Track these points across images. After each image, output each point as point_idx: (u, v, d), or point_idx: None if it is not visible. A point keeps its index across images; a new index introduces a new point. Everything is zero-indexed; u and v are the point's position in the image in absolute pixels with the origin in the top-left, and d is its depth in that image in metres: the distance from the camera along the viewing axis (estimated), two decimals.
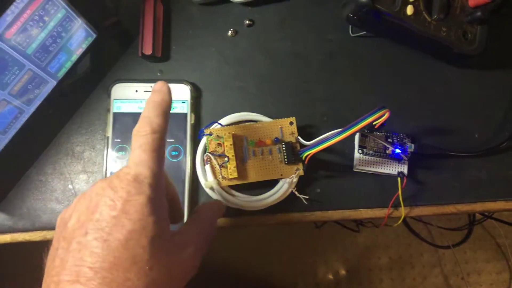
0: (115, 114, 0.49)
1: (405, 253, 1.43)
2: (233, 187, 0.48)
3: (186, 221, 0.38)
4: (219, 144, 0.47)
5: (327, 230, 1.38)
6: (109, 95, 0.49)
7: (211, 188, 0.47)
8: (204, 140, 0.48)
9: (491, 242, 1.47)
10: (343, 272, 1.39)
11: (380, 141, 0.49)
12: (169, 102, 0.36)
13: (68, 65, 0.47)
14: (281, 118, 0.49)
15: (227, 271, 1.32)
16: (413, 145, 0.50)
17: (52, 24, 0.43)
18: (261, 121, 0.49)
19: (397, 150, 0.49)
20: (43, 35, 0.42)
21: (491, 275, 1.45)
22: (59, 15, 0.43)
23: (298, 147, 0.48)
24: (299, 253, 1.38)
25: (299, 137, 0.48)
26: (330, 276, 1.38)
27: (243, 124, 0.49)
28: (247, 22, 0.53)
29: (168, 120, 0.35)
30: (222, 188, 0.47)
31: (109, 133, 0.49)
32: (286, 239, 1.38)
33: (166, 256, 0.31)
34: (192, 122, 0.50)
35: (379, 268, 1.41)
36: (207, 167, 0.47)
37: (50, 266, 0.30)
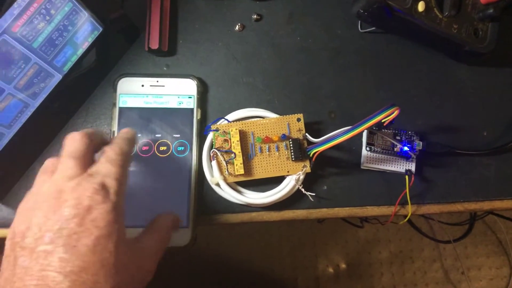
0: (120, 109, 0.48)
1: (405, 248, 1.44)
2: (239, 183, 0.48)
3: (145, 229, 0.39)
4: (225, 140, 0.47)
5: (328, 224, 1.38)
6: (115, 90, 0.49)
7: (217, 184, 0.47)
8: (210, 136, 0.48)
9: (491, 237, 1.47)
10: (343, 266, 1.39)
11: (388, 139, 0.49)
12: (134, 140, 0.41)
13: (74, 59, 0.46)
14: (288, 114, 0.48)
15: (227, 264, 1.32)
16: (421, 142, 0.49)
17: (58, 17, 0.42)
18: (268, 117, 0.49)
19: (405, 148, 0.48)
20: (49, 28, 0.42)
21: (491, 270, 1.45)
22: (66, 8, 0.42)
23: (305, 144, 0.48)
24: (300, 247, 1.38)
25: (306, 134, 0.47)
26: (331, 270, 1.38)
27: (250, 120, 0.48)
28: (255, 16, 0.52)
29: (132, 151, 0.41)
30: (228, 184, 0.47)
31: (115, 127, 0.48)
32: (287, 232, 1.38)
33: (128, 260, 0.33)
34: (199, 117, 0.49)
35: (379, 262, 1.41)
36: (214, 163, 0.47)
37: (8, 275, 0.31)
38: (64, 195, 0.33)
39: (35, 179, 0.36)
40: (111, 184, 0.34)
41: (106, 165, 0.35)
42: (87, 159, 0.36)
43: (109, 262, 0.31)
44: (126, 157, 0.38)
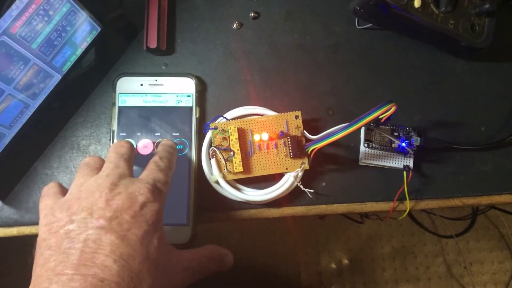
0: (120, 108, 0.49)
1: (408, 243, 1.44)
2: (238, 181, 0.48)
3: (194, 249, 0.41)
4: (224, 138, 0.47)
5: (330, 220, 1.38)
6: (114, 89, 0.49)
7: (217, 182, 0.47)
8: (209, 134, 0.48)
9: (494, 231, 1.47)
10: (345, 261, 1.39)
11: (386, 135, 0.49)
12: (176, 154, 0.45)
13: (73, 59, 0.47)
14: (286, 111, 0.49)
15: None
16: (419, 138, 0.49)
17: (57, 18, 0.42)
18: (267, 114, 0.49)
19: (403, 144, 0.48)
20: (48, 29, 0.42)
21: (493, 265, 1.45)
22: (64, 9, 0.43)
23: (304, 141, 0.48)
24: (302, 243, 1.39)
25: (304, 131, 0.48)
26: (333, 266, 1.39)
27: (248, 118, 0.49)
28: (253, 14, 0.53)
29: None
30: (228, 182, 0.47)
31: (114, 126, 0.49)
32: (289, 228, 1.38)
33: (166, 263, 0.35)
34: (197, 115, 0.49)
35: (382, 257, 1.42)
36: (213, 161, 0.47)
37: (48, 255, 0.31)
38: (117, 188, 0.34)
39: (77, 172, 0.38)
40: (162, 188, 0.37)
41: (157, 172, 0.38)
42: (132, 164, 0.39)
43: (153, 256, 0.32)
44: (172, 171, 0.41)
